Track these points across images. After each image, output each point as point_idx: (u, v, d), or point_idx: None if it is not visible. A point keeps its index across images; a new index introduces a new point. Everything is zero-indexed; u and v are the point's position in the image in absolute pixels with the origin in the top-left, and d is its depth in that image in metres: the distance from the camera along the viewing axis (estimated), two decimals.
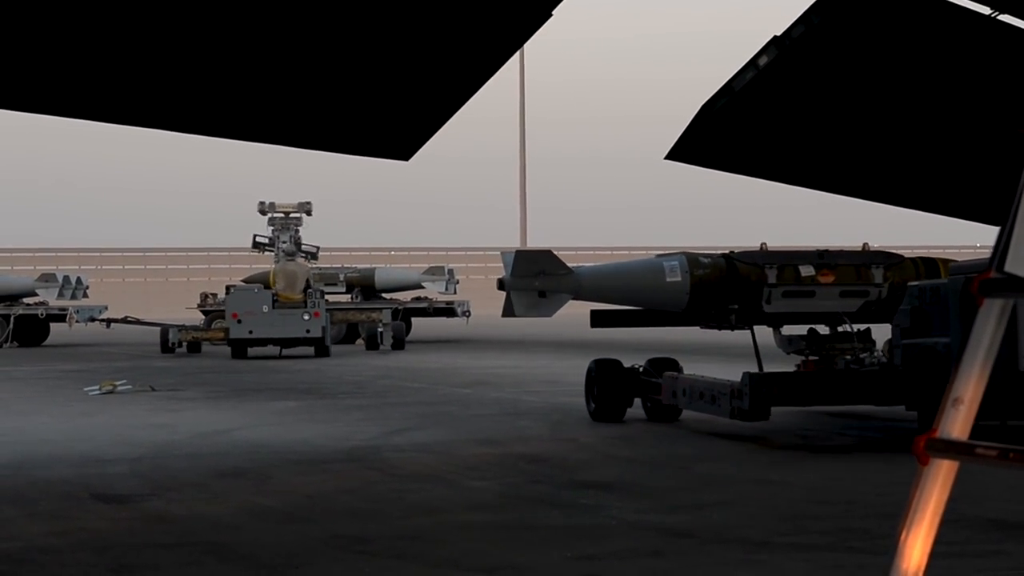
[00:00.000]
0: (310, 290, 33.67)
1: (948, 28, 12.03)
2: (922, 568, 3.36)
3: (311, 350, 32.94)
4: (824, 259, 14.25)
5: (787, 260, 14.21)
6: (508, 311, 13.73)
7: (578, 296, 13.90)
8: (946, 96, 13.37)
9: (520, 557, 7.28)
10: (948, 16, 11.75)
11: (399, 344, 35.97)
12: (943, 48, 12.40)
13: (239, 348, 32.61)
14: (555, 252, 14.03)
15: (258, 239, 36.50)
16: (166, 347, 34.71)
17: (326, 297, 38.77)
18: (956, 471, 3.41)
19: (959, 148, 14.78)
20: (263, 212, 37.12)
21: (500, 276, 13.94)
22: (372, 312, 37.20)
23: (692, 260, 14.16)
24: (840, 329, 14.21)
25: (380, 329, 35.88)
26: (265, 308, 32.60)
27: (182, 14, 9.13)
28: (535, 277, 13.65)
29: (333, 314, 35.78)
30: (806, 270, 14.10)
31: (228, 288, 34.69)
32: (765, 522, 8.27)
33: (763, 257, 14.26)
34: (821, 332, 14.42)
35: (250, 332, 32.39)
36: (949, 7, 11.74)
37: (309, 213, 37.43)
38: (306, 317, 32.52)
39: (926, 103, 13.60)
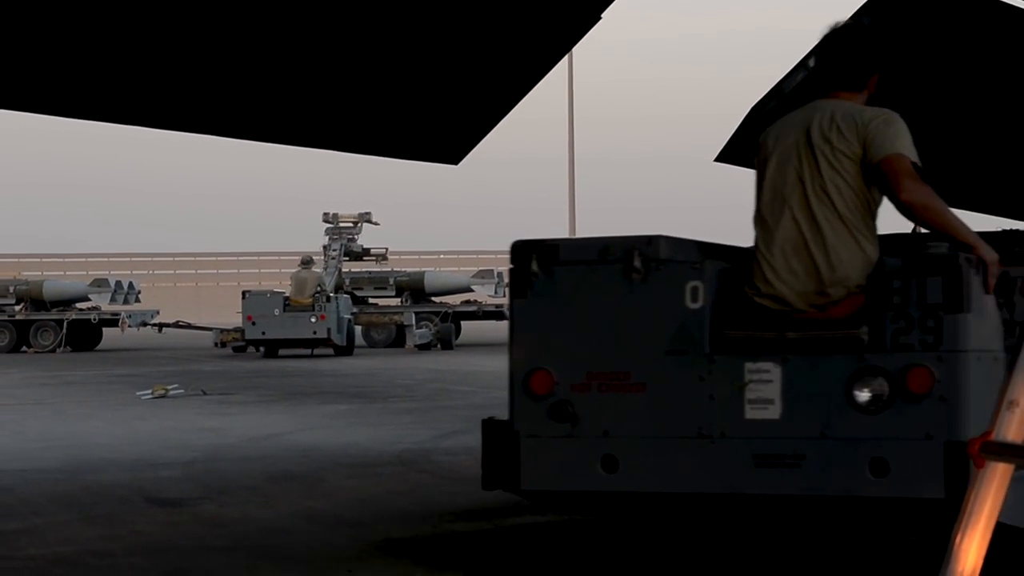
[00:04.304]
0: (318, 294, 35.90)
1: (1002, 29, 11.89)
2: (977, 571, 3.34)
3: (330, 350, 35.66)
4: (992, 245, 10.17)
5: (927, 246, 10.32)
6: None
7: None
8: (1000, 98, 13.25)
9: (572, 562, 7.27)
10: (1002, 17, 11.62)
11: (447, 344, 38.40)
12: (996, 49, 12.27)
13: (271, 349, 35.51)
14: None
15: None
16: (238, 348, 37.23)
17: (376, 301, 40.75)
18: (1011, 474, 3.39)
19: (1014, 151, 14.65)
20: (327, 221, 39.91)
21: None
22: (394, 315, 40.15)
23: None
24: None
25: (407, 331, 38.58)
26: (277, 311, 35.41)
27: (232, 20, 9.17)
28: None
29: (358, 316, 38.70)
30: None
31: (244, 293, 37.34)
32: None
33: (894, 242, 10.99)
34: None
35: (263, 333, 35.27)
36: (1003, 7, 11.61)
37: (369, 222, 39.96)
38: (313, 319, 35.18)
39: (979, 105, 13.49)
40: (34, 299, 44.28)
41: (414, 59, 10.39)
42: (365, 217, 39.79)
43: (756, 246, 5.93)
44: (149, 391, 20.95)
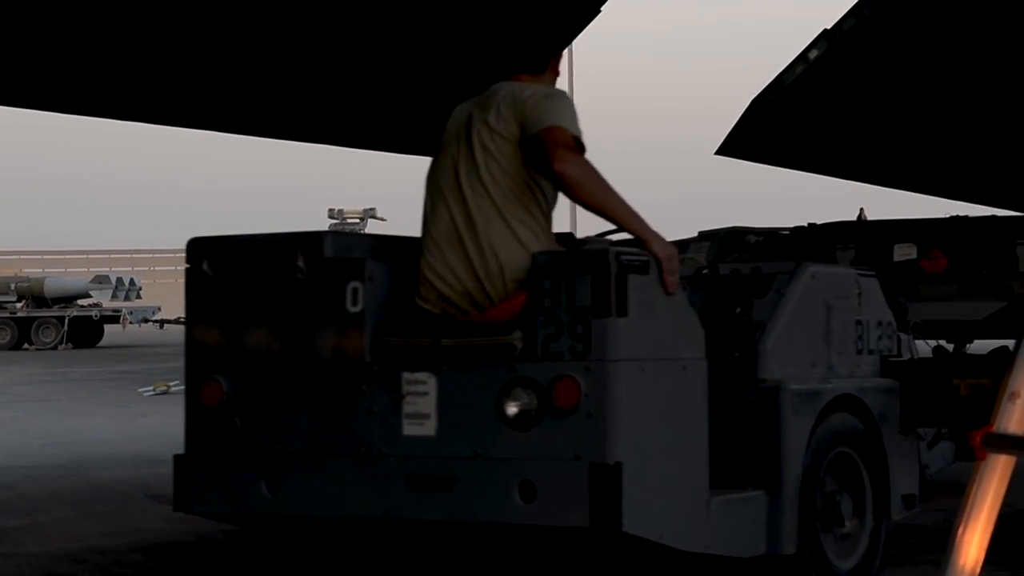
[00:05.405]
0: None
1: (1006, 19, 11.85)
2: (979, 564, 3.33)
3: None
4: (937, 234, 9.52)
5: (869, 235, 9.98)
6: None
7: None
8: (1004, 89, 13.22)
9: None
10: (1005, 6, 11.59)
11: None
12: (1000, 40, 12.24)
13: None
14: None
15: None
16: None
17: None
18: (1013, 466, 3.39)
19: (1019, 143, 14.63)
20: (332, 217, 39.87)
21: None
22: None
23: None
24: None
25: None
26: None
27: (235, 16, 9.17)
28: None
29: None
30: (903, 252, 9.86)
31: None
32: None
33: (838, 232, 10.16)
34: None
35: None
36: None
37: (375, 218, 39.96)
38: None
39: (983, 97, 13.46)
40: (35, 296, 44.36)
41: (416, 53, 10.39)
42: (370, 213, 39.90)
43: (421, 242, 5.34)
44: (151, 387, 20.96)
